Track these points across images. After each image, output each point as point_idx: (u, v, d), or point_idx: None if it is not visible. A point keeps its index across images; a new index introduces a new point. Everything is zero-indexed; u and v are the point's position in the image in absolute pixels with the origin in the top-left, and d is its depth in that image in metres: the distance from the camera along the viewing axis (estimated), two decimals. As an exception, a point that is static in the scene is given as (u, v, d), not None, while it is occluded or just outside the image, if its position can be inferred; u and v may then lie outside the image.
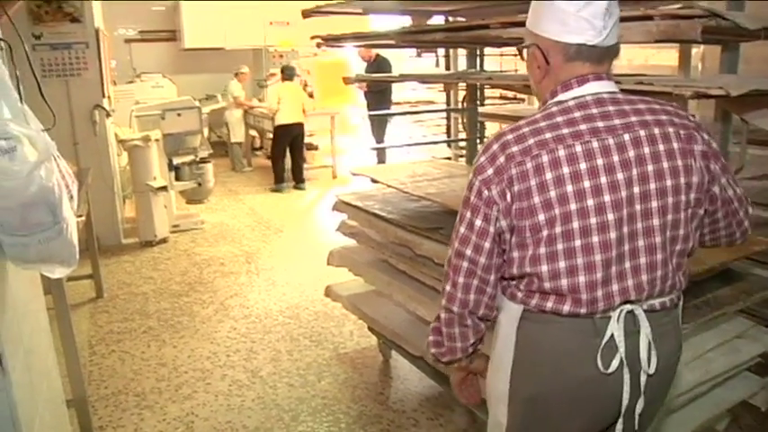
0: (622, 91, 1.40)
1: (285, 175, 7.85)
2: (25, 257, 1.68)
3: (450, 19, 3.30)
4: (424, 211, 2.78)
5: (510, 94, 6.38)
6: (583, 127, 1.31)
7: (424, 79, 2.89)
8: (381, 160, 6.80)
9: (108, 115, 5.68)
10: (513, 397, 1.47)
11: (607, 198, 1.28)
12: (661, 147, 1.32)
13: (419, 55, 6.60)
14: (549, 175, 1.28)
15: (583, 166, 1.28)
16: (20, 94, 1.71)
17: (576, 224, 1.29)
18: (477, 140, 3.37)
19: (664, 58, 5.63)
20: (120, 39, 9.44)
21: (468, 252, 1.39)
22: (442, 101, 7.35)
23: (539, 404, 1.43)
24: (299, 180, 7.88)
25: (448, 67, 4.22)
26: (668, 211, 1.33)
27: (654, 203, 1.31)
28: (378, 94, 7.71)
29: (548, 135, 1.30)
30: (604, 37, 1.31)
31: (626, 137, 1.31)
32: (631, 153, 1.30)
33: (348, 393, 3.11)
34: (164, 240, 5.75)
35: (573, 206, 1.28)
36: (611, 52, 1.37)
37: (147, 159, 5.65)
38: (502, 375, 1.48)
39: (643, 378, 1.37)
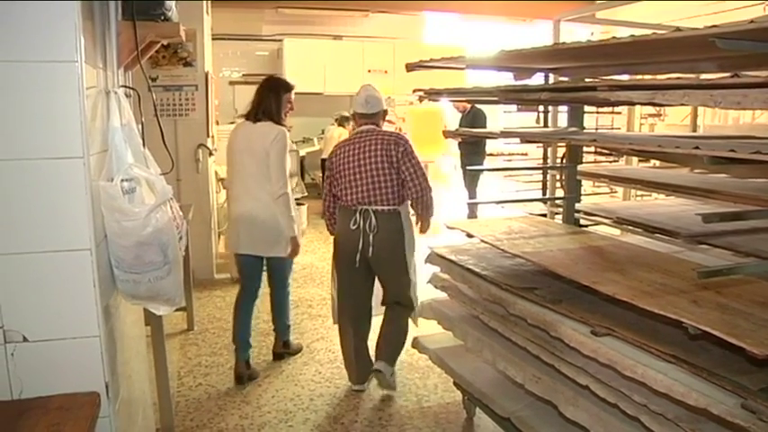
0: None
1: None
2: (136, 294, 1.76)
3: (552, 77, 3.29)
4: (518, 270, 2.73)
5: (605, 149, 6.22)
6: (356, 140, 3.47)
7: (526, 137, 2.86)
8: (473, 212, 6.77)
9: (210, 154, 5.94)
10: (335, 238, 3.63)
11: (357, 166, 3.39)
12: (380, 148, 3.39)
13: (519, 110, 6.57)
14: (341, 158, 3.46)
15: (351, 154, 3.43)
16: (143, 138, 1.81)
17: (346, 176, 3.43)
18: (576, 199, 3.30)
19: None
20: (225, 80, 9.92)
21: (327, 189, 3.59)
22: (536, 153, 7.27)
23: (338, 240, 3.58)
24: None
25: (546, 124, 4.18)
26: (380, 172, 3.36)
27: (374, 170, 3.37)
28: (472, 145, 7.71)
29: (348, 143, 3.52)
30: (368, 110, 3.52)
31: (368, 143, 3.41)
32: (368, 149, 3.39)
33: (429, 449, 3.06)
34: (254, 278, 5.88)
35: (347, 170, 3.43)
36: (374, 115, 3.55)
37: (244, 198, 5.83)
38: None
39: (370, 237, 3.39)
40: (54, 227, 1.54)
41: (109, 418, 1.64)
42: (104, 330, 1.63)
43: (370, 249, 3.38)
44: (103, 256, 1.67)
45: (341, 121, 9.28)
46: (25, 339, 1.57)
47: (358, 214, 3.37)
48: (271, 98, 3.68)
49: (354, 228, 3.38)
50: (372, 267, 3.52)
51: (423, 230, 3.63)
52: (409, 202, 3.57)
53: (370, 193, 3.36)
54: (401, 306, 3.62)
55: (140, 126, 1.88)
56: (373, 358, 3.68)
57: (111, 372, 1.68)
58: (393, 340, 3.64)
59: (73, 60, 1.50)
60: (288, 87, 3.78)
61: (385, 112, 3.61)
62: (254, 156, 3.62)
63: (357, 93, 3.57)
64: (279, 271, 3.97)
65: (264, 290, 4.08)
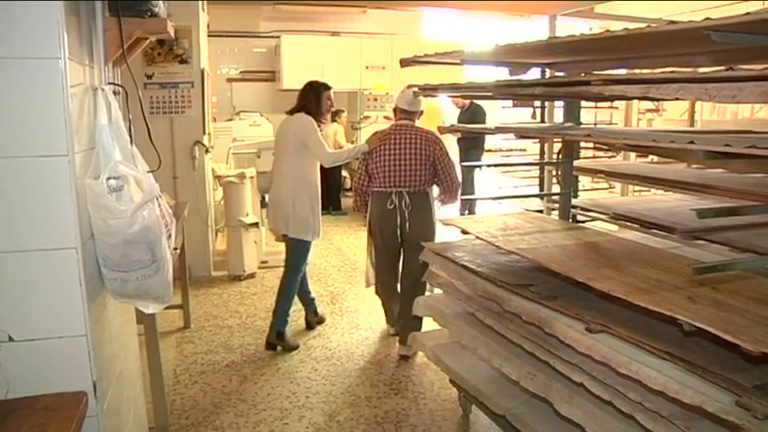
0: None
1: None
2: (124, 292, 1.74)
3: (548, 72, 3.27)
4: (514, 266, 2.71)
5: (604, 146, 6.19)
6: (396, 131, 4.08)
7: (520, 133, 2.84)
8: (471, 209, 6.75)
9: (207, 151, 5.92)
10: (370, 219, 4.21)
11: (395, 154, 3.99)
12: (419, 142, 3.99)
13: (515, 105, 6.54)
14: (380, 145, 4.06)
15: (391, 143, 4.02)
16: (131, 136, 1.79)
17: (381, 163, 4.02)
18: (572, 195, 3.28)
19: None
20: (223, 77, 9.87)
21: (363, 168, 4.21)
22: (534, 149, 7.24)
23: (375, 221, 4.14)
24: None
25: (543, 119, 4.16)
26: (417, 162, 3.97)
27: (411, 160, 3.97)
28: (471, 141, 7.68)
29: (387, 133, 4.11)
30: (411, 108, 4.14)
31: (407, 137, 4.02)
32: (407, 141, 4.00)
33: (425, 447, 3.04)
34: (251, 275, 5.89)
35: (385, 157, 4.01)
36: (413, 113, 4.16)
37: (241, 196, 5.83)
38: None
39: (406, 214, 3.99)
40: (39, 225, 1.52)
41: (97, 417, 1.62)
42: (91, 329, 1.61)
43: (407, 224, 3.99)
44: (90, 254, 1.65)
45: (333, 116, 9.13)
46: (11, 339, 1.55)
47: (394, 195, 4.00)
48: (311, 96, 4.32)
49: (391, 207, 4.00)
50: (406, 241, 4.05)
51: (444, 203, 4.23)
52: (435, 187, 4.18)
53: (405, 178, 3.98)
54: (417, 288, 3.99)
55: (128, 123, 1.86)
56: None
57: (99, 371, 1.66)
58: (410, 323, 4.00)
59: (56, 57, 1.47)
60: (327, 86, 4.39)
61: (421, 112, 4.23)
62: (286, 141, 4.30)
63: (402, 91, 4.19)
64: (290, 251, 4.35)
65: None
